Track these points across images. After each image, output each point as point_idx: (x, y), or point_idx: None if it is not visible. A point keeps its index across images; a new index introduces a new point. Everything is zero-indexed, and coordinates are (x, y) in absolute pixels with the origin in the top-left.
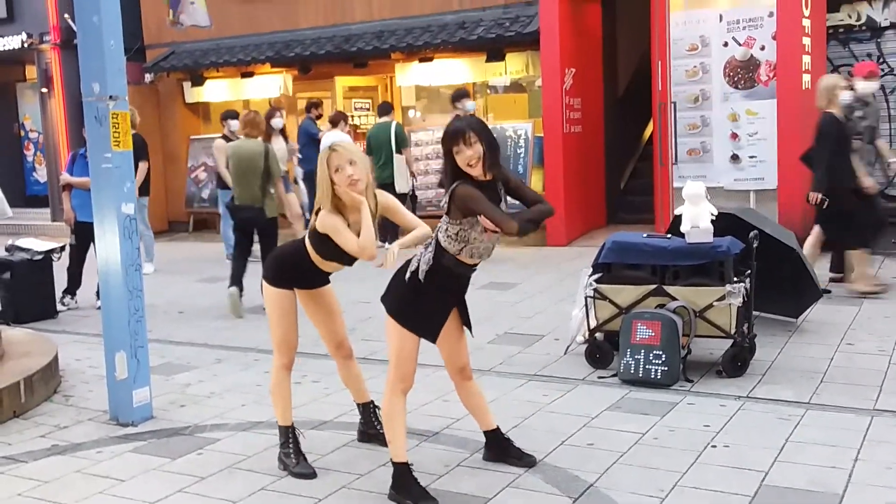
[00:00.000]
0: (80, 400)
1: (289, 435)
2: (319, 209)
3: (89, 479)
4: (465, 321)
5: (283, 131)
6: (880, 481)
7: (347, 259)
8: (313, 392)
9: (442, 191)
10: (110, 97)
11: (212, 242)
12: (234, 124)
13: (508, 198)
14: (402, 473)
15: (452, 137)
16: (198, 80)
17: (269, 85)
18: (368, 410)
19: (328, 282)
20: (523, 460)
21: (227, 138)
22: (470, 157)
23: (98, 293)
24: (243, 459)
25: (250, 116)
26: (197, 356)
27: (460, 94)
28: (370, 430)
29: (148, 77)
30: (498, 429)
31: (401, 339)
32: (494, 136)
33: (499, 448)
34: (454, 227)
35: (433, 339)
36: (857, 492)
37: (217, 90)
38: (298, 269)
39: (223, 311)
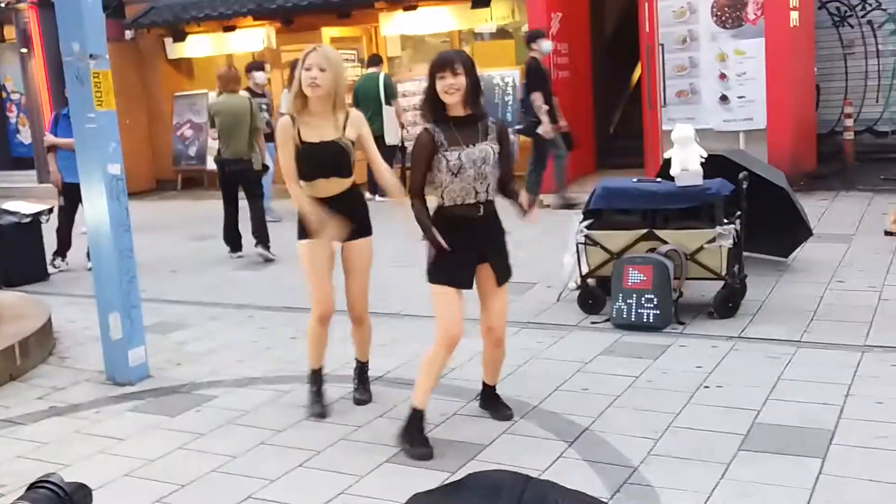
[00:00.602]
0: (75, 361)
1: (313, 378)
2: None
3: (89, 439)
4: (499, 276)
5: None
6: (871, 416)
7: (321, 170)
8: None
9: None
10: (91, 56)
11: (201, 200)
12: (260, 76)
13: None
14: (414, 419)
15: (440, 64)
16: (179, 36)
17: (251, 38)
18: (360, 370)
19: (360, 233)
20: (499, 413)
21: (251, 91)
22: (450, 85)
23: (88, 254)
24: (241, 415)
25: (233, 73)
26: (191, 314)
27: (536, 35)
28: (356, 393)
29: (128, 34)
30: (494, 387)
31: (438, 296)
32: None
33: (488, 400)
34: (429, 173)
35: (466, 286)
36: (849, 427)
37: (199, 45)
38: None
39: (215, 268)
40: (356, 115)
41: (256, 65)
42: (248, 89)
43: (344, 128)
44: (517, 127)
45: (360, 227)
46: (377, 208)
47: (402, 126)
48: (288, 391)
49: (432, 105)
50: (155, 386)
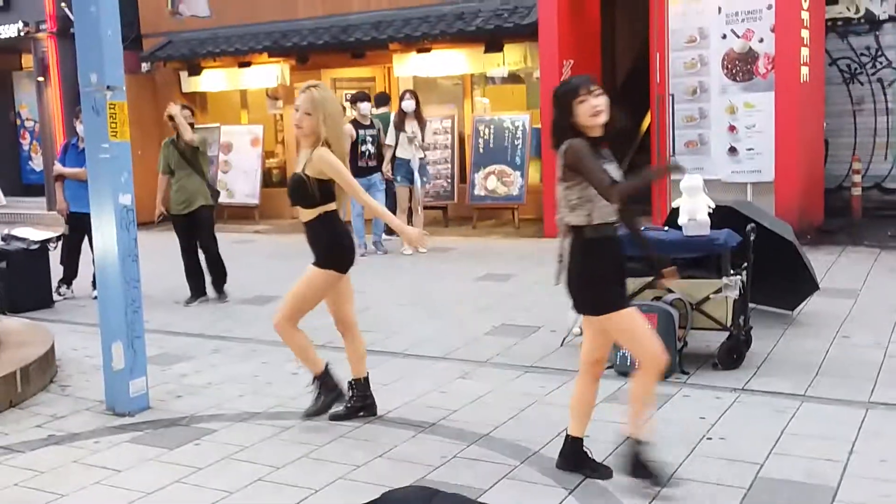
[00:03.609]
0: (76, 390)
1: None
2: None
3: (86, 470)
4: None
5: (417, 113)
6: (875, 474)
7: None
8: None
9: (441, 181)
10: (108, 87)
11: None
12: (365, 107)
13: None
14: (639, 451)
15: (575, 89)
16: (195, 70)
17: (266, 75)
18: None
19: (314, 264)
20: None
21: (357, 122)
22: (596, 105)
23: (94, 283)
24: (240, 450)
25: None
26: (194, 346)
27: None
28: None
29: (144, 66)
30: (580, 441)
31: (629, 320)
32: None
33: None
34: (573, 191)
35: (626, 305)
36: (852, 484)
37: (214, 80)
38: None
39: (220, 301)
40: (317, 155)
41: (361, 95)
42: (354, 121)
43: (306, 163)
44: None
45: (315, 254)
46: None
47: None
48: (288, 427)
49: (564, 132)
50: (155, 417)
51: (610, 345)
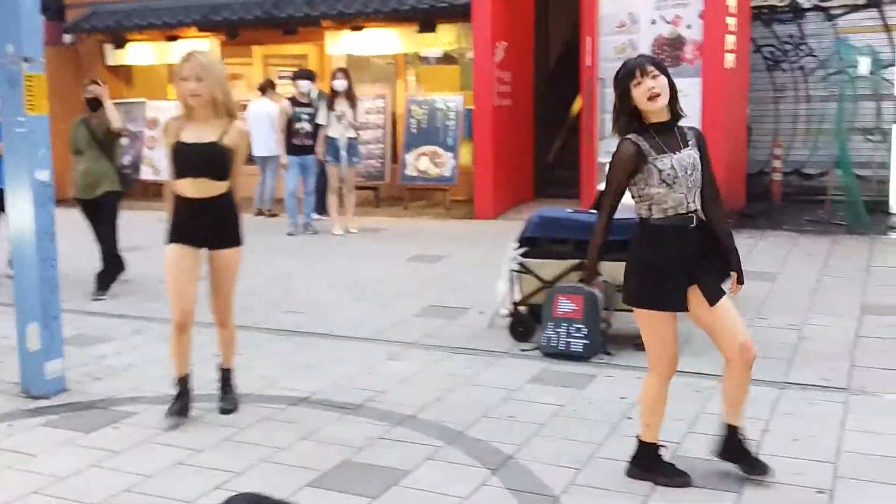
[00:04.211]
0: None
1: (178, 384)
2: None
3: None
4: (709, 298)
5: (349, 94)
6: (787, 452)
7: (190, 170)
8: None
9: (372, 161)
10: (25, 59)
11: (132, 210)
12: (304, 85)
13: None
14: (650, 454)
15: (629, 73)
16: (120, 43)
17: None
18: (223, 377)
19: (226, 242)
20: (756, 468)
21: (295, 100)
22: (651, 87)
23: (10, 261)
24: (159, 433)
25: None
26: (114, 327)
27: None
28: (221, 402)
29: (67, 38)
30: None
31: (648, 322)
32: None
33: (733, 450)
34: (633, 188)
35: (680, 308)
36: (766, 462)
37: (140, 53)
38: None
39: (141, 280)
40: (240, 129)
41: (303, 73)
42: (292, 98)
43: (224, 133)
44: None
45: (226, 235)
46: (316, 237)
47: None
48: (210, 410)
49: (628, 119)
50: (71, 400)
51: (712, 334)
